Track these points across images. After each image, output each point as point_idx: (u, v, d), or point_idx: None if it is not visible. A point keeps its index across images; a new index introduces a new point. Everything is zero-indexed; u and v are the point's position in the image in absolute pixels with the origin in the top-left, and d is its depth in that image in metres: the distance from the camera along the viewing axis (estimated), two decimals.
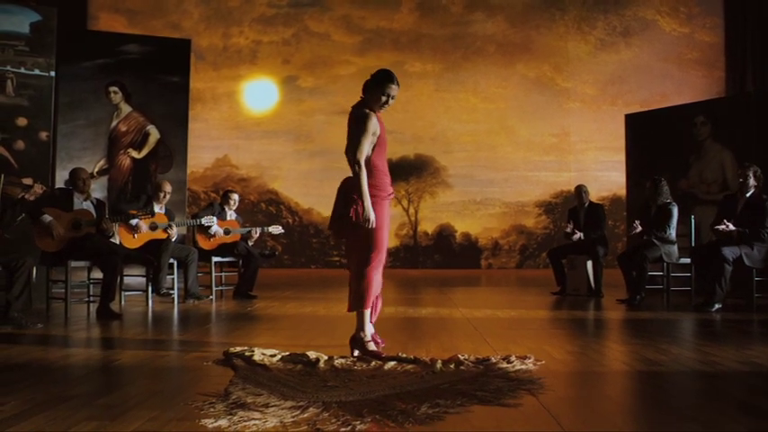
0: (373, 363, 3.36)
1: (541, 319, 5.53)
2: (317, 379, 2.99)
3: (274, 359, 3.42)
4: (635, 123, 9.20)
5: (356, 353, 3.62)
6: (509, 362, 3.30)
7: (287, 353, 3.55)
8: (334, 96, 15.20)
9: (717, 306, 5.94)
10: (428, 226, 15.15)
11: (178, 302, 6.64)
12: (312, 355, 3.45)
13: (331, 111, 15.19)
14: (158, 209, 6.81)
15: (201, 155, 15.15)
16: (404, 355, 3.44)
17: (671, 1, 15.02)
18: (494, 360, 3.34)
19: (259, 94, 15.37)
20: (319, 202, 15.18)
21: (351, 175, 3.88)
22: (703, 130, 8.33)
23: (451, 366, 3.24)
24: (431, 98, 15.32)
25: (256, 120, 15.34)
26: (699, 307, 6.02)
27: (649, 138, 8.81)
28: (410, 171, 15.14)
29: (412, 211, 15.18)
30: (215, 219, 7.11)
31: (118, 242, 6.40)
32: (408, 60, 15.38)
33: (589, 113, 14.91)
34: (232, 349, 3.60)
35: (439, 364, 3.24)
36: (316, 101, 15.30)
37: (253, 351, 3.52)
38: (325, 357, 3.45)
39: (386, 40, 15.44)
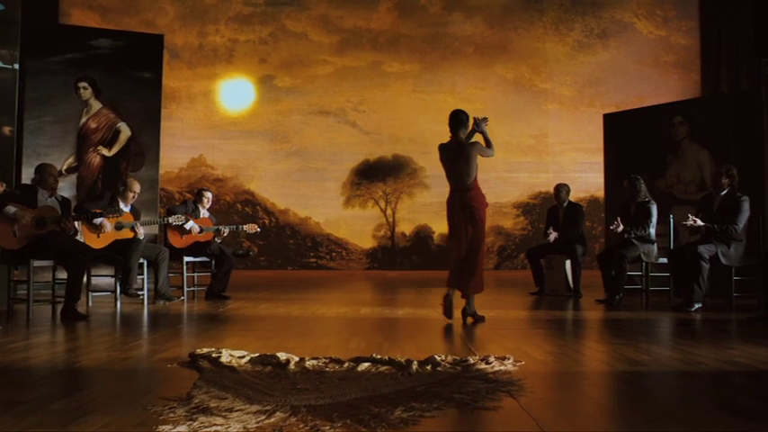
0: (346, 364, 3.22)
1: (520, 320, 5.42)
2: (286, 381, 2.85)
3: (243, 361, 3.27)
4: (613, 123, 9.16)
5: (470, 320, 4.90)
6: (488, 363, 3.18)
7: (256, 354, 3.40)
8: (311, 96, 15.06)
9: (696, 306, 5.88)
10: (406, 227, 15.03)
11: (148, 303, 6.45)
12: (282, 356, 3.31)
13: (308, 111, 15.06)
14: (124, 207, 6.60)
15: (176, 154, 14.90)
16: (378, 356, 3.30)
17: (647, 4, 15.07)
18: (472, 361, 3.21)
19: (235, 93, 15.16)
20: (296, 202, 15.01)
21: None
22: (681, 129, 8.30)
23: (428, 368, 3.12)
24: (409, 98, 15.22)
25: (232, 119, 15.12)
26: (678, 307, 5.96)
27: (627, 138, 8.77)
28: (388, 172, 15.03)
29: (389, 212, 15.06)
30: (184, 218, 6.90)
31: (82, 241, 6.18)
32: (386, 60, 15.27)
33: (567, 115, 14.91)
34: (199, 350, 3.43)
35: (415, 366, 3.11)
36: (293, 100, 15.13)
37: (220, 352, 3.36)
38: (296, 359, 3.30)
39: (364, 40, 15.31)
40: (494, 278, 10.71)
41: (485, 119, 5.24)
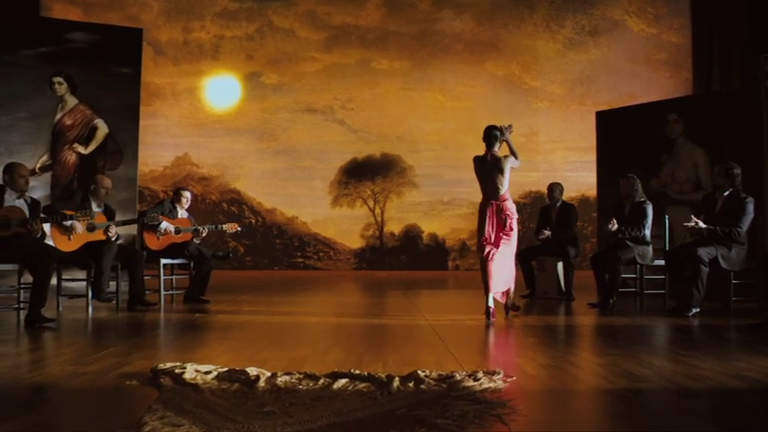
0: (321, 380, 2.95)
1: (511, 326, 5.16)
2: (252, 403, 2.57)
3: (209, 377, 2.99)
4: (606, 121, 8.92)
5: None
6: (476, 379, 2.91)
7: (224, 369, 3.13)
8: (298, 94, 14.80)
9: (694, 310, 5.64)
10: (394, 226, 14.80)
11: (122, 308, 6.15)
12: (252, 371, 3.03)
13: (295, 108, 14.79)
14: (97, 208, 6.29)
15: (161, 152, 14.63)
16: (357, 372, 3.03)
17: (639, 1, 14.91)
18: (458, 377, 2.95)
19: (221, 90, 14.87)
20: (283, 201, 14.75)
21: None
22: (676, 127, 8.07)
23: (410, 385, 2.85)
24: (397, 96, 14.98)
25: (218, 117, 14.83)
26: (675, 311, 5.72)
27: (620, 136, 8.54)
28: (376, 170, 14.79)
29: (378, 211, 14.82)
30: (159, 217, 6.60)
31: (52, 244, 5.87)
32: (375, 58, 15.02)
33: (558, 113, 14.72)
34: (162, 365, 3.15)
35: (396, 383, 2.85)
36: (280, 98, 14.85)
37: (185, 368, 3.08)
38: (268, 374, 3.03)
39: (352, 37, 15.05)
40: None
41: (509, 126, 5.63)
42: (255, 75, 14.88)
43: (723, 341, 4.47)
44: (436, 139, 14.73)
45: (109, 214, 6.39)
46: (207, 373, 3.06)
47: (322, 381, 2.95)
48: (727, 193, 5.98)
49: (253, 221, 14.76)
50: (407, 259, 14.62)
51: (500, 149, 5.58)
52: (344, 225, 14.80)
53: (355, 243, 14.76)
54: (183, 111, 14.78)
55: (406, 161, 14.78)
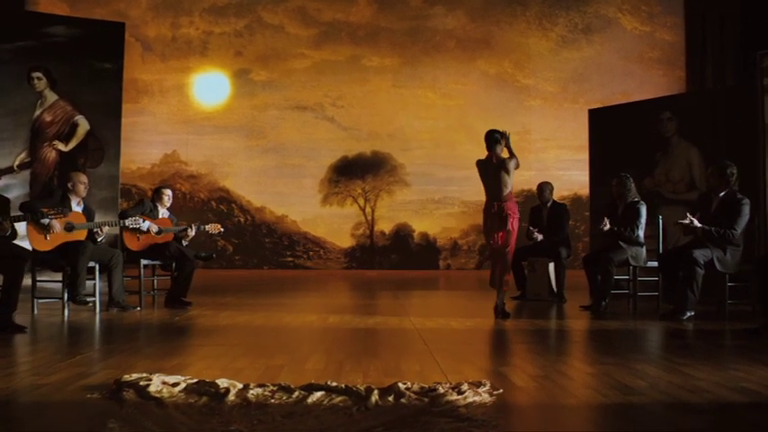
0: (296, 393, 2.77)
1: (500, 331, 4.99)
2: (218, 420, 2.39)
3: (176, 389, 2.80)
4: (598, 119, 8.75)
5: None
6: (460, 392, 2.73)
7: (194, 380, 2.94)
8: (288, 91, 14.62)
9: (688, 314, 5.47)
10: (385, 225, 14.64)
11: (100, 311, 5.95)
12: (223, 383, 2.84)
13: (285, 106, 14.61)
14: (76, 207, 6.08)
15: (149, 150, 14.45)
16: (333, 384, 2.85)
17: None
18: (441, 390, 2.76)
19: (210, 87, 14.68)
20: (272, 200, 14.58)
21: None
22: (670, 126, 7.91)
23: (390, 399, 2.67)
24: (388, 93, 14.81)
25: (207, 114, 14.64)
26: (669, 315, 5.55)
27: (613, 134, 8.37)
28: (367, 169, 14.63)
29: (368, 210, 14.67)
30: (140, 220, 6.37)
31: (28, 244, 5.66)
32: (365, 54, 14.85)
33: (550, 111, 14.60)
34: (127, 377, 2.95)
35: (374, 397, 2.66)
36: (269, 95, 14.67)
37: (150, 379, 2.88)
38: (239, 386, 2.84)
39: (342, 34, 14.87)
40: (475, 278, 10.30)
41: (508, 135, 5.86)
42: (244, 71, 14.70)
43: (719, 347, 4.31)
44: (427, 137, 14.58)
45: (88, 214, 6.18)
46: (175, 385, 2.87)
47: (296, 394, 2.76)
48: (722, 193, 5.81)
49: (242, 220, 14.59)
50: (398, 258, 14.47)
51: (502, 152, 5.77)
52: (334, 224, 14.64)
53: (345, 242, 14.60)
54: (171, 108, 14.58)
55: (397, 159, 14.63)
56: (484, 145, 5.87)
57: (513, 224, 5.65)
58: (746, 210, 5.67)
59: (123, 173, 14.25)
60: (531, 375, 3.19)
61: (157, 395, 2.70)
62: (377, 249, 14.59)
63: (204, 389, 2.81)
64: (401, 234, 14.61)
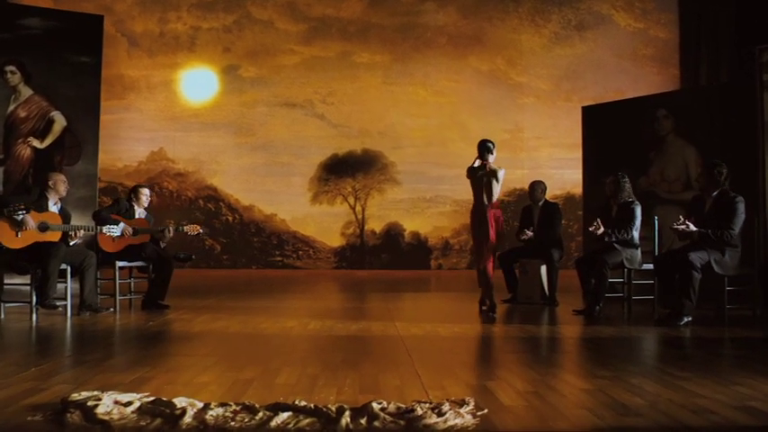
0: (260, 414, 2.51)
1: (488, 338, 4.75)
2: None
3: (128, 410, 2.54)
4: (592, 117, 8.51)
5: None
6: (440, 414, 2.48)
7: (150, 398, 2.68)
8: (277, 87, 14.36)
9: (686, 320, 5.24)
10: (376, 224, 14.40)
11: (71, 315, 5.68)
12: (181, 403, 2.59)
13: (274, 102, 14.35)
14: (53, 206, 5.80)
15: (135, 147, 14.19)
16: (302, 403, 2.59)
17: None
18: (420, 411, 2.51)
19: (197, 83, 14.40)
20: (261, 198, 14.32)
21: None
22: (665, 123, 7.67)
23: (362, 422, 2.41)
24: (379, 91, 14.56)
25: (194, 111, 14.36)
26: (665, 321, 5.31)
27: (607, 132, 8.12)
28: (357, 167, 14.38)
29: (359, 208, 14.42)
30: (117, 227, 6.07)
31: None
32: (356, 51, 14.60)
33: (543, 109, 14.39)
34: (75, 395, 2.68)
35: (345, 419, 2.41)
36: (258, 92, 14.41)
37: (100, 399, 2.62)
38: (199, 406, 2.59)
39: (332, 29, 14.61)
40: (466, 279, 10.01)
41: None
42: (233, 68, 14.43)
43: (719, 357, 4.07)
44: (419, 135, 14.35)
45: (64, 216, 5.90)
46: (128, 404, 2.61)
47: (260, 415, 2.51)
48: (715, 193, 5.60)
49: (230, 219, 14.34)
50: (389, 258, 14.23)
51: (494, 161, 6.13)
52: (324, 223, 14.40)
53: (335, 241, 14.36)
54: (158, 104, 14.31)
55: (388, 157, 14.38)
56: (476, 143, 6.10)
57: (495, 228, 6.06)
58: (741, 208, 5.45)
59: (109, 170, 14.06)
60: (519, 392, 2.94)
61: (105, 417, 2.44)
62: (367, 249, 14.36)
63: (159, 409, 2.55)
64: (392, 233, 14.38)
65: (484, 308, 6.08)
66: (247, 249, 14.31)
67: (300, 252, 14.38)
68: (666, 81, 13.90)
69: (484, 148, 6.08)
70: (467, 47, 14.51)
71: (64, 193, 5.98)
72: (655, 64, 14.34)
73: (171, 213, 13.94)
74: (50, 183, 5.92)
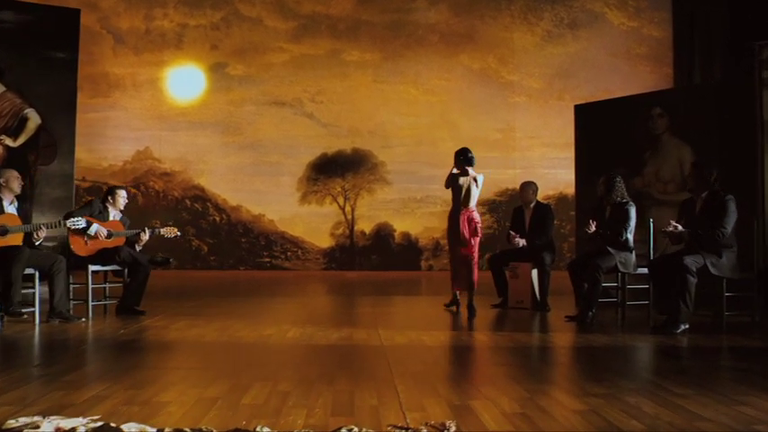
0: None
1: (476, 347, 4.50)
2: None
3: None
4: (585, 115, 8.28)
5: None
6: None
7: (97, 424, 2.42)
8: (265, 86, 14.07)
9: (682, 327, 5.00)
10: (365, 225, 14.16)
11: (39, 323, 5.41)
12: (129, 429, 2.33)
13: (262, 101, 14.08)
14: (9, 206, 5.52)
15: (121, 146, 13.91)
16: (265, 430, 2.34)
17: None
18: None
19: (184, 81, 14.11)
20: (249, 198, 14.05)
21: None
22: (660, 122, 7.44)
23: None
24: (369, 89, 14.31)
25: (181, 109, 14.09)
26: (661, 328, 5.08)
27: (601, 131, 7.89)
28: (347, 166, 14.13)
29: (348, 209, 14.18)
30: (81, 220, 5.80)
31: None
32: (346, 49, 14.35)
33: (535, 108, 14.19)
34: (11, 422, 2.42)
35: None
36: (246, 90, 14.14)
37: (38, 427, 2.36)
38: None
39: (322, 27, 14.36)
40: None
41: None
42: (220, 65, 14.15)
43: (719, 370, 3.84)
44: (409, 134, 14.12)
45: (24, 215, 5.62)
46: (71, 431, 2.35)
47: None
48: (704, 194, 5.40)
49: (217, 219, 14.08)
50: (379, 259, 14.00)
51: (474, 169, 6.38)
52: (313, 223, 14.16)
53: (324, 242, 14.12)
54: (144, 103, 14.04)
55: (378, 157, 14.13)
56: (467, 142, 6.47)
57: (473, 231, 6.30)
58: (732, 206, 5.24)
59: (94, 170, 13.78)
60: (505, 413, 2.69)
61: None
62: (357, 250, 14.13)
63: None
64: (382, 234, 14.14)
65: (452, 308, 6.48)
66: (235, 250, 14.05)
67: (289, 253, 14.14)
68: (660, 80, 13.73)
69: (466, 160, 6.35)
70: (458, 45, 14.30)
71: (18, 191, 5.68)
72: (648, 63, 14.17)
73: (157, 214, 13.68)
74: (2, 181, 5.61)
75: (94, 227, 6.00)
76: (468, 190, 6.34)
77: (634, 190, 7.22)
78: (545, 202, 7.74)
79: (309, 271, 13.78)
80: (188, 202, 14.07)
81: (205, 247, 13.96)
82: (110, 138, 13.84)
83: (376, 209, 14.15)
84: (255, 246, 14.07)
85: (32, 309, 5.44)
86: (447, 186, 6.52)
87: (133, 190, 13.94)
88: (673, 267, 5.17)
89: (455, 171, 6.39)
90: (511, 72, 14.27)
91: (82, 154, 13.71)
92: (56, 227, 5.77)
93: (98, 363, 3.99)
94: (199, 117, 14.05)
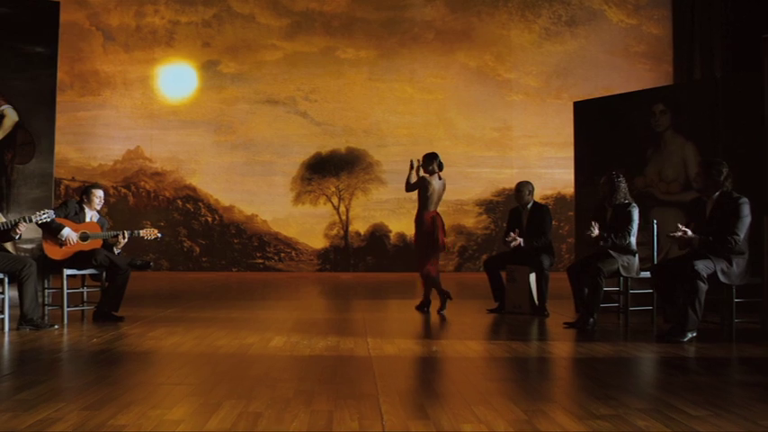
0: None
1: (470, 358, 4.20)
2: None
3: None
4: (584, 112, 7.99)
5: None
6: None
7: None
8: (258, 84, 13.88)
9: (690, 335, 4.72)
10: (360, 225, 13.93)
11: (9, 331, 5.11)
12: None
13: (255, 99, 13.87)
14: None
15: (111, 146, 13.69)
16: None
17: None
18: None
19: (176, 79, 13.90)
20: (241, 198, 13.84)
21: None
22: (663, 119, 7.15)
23: None
24: (364, 87, 14.09)
25: (172, 108, 13.87)
26: (667, 336, 4.78)
27: (600, 129, 7.61)
28: (341, 166, 13.92)
29: (343, 209, 13.96)
30: (52, 213, 5.45)
31: None
32: (340, 46, 14.14)
33: (533, 106, 13.98)
34: None
35: None
36: (238, 88, 13.94)
37: None
38: None
39: (316, 24, 14.14)
40: (454, 282, 9.47)
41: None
42: (213, 63, 13.94)
43: (732, 385, 3.54)
44: (404, 133, 13.88)
45: None
46: None
47: None
48: (716, 195, 5.07)
49: (209, 220, 13.84)
50: (374, 260, 13.76)
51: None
52: (307, 224, 13.93)
53: (318, 243, 13.88)
54: (134, 101, 13.81)
55: (373, 156, 13.92)
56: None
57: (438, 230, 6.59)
58: (746, 210, 4.91)
59: (84, 170, 13.50)
60: None
61: None
62: (351, 251, 13.89)
63: None
64: (377, 234, 13.91)
65: (426, 309, 6.64)
66: (227, 251, 13.82)
67: (282, 254, 13.89)
68: (659, 78, 13.54)
69: (438, 163, 6.63)
70: (455, 42, 14.08)
71: None
72: (647, 61, 13.99)
73: (148, 214, 13.44)
74: None
75: (66, 231, 5.68)
76: (440, 194, 6.66)
77: (636, 190, 6.94)
78: (542, 202, 7.45)
79: (303, 272, 13.54)
80: (180, 202, 13.84)
81: (197, 248, 13.72)
82: (100, 137, 13.62)
83: (371, 209, 13.93)
84: (248, 247, 13.84)
85: (1, 315, 5.14)
86: (412, 190, 6.67)
87: (124, 190, 13.70)
88: (678, 273, 4.87)
89: (425, 175, 6.56)
90: (508, 70, 14.06)
91: (71, 153, 13.48)
92: (23, 222, 5.37)
93: (59, 378, 3.69)
94: (190, 116, 13.85)
